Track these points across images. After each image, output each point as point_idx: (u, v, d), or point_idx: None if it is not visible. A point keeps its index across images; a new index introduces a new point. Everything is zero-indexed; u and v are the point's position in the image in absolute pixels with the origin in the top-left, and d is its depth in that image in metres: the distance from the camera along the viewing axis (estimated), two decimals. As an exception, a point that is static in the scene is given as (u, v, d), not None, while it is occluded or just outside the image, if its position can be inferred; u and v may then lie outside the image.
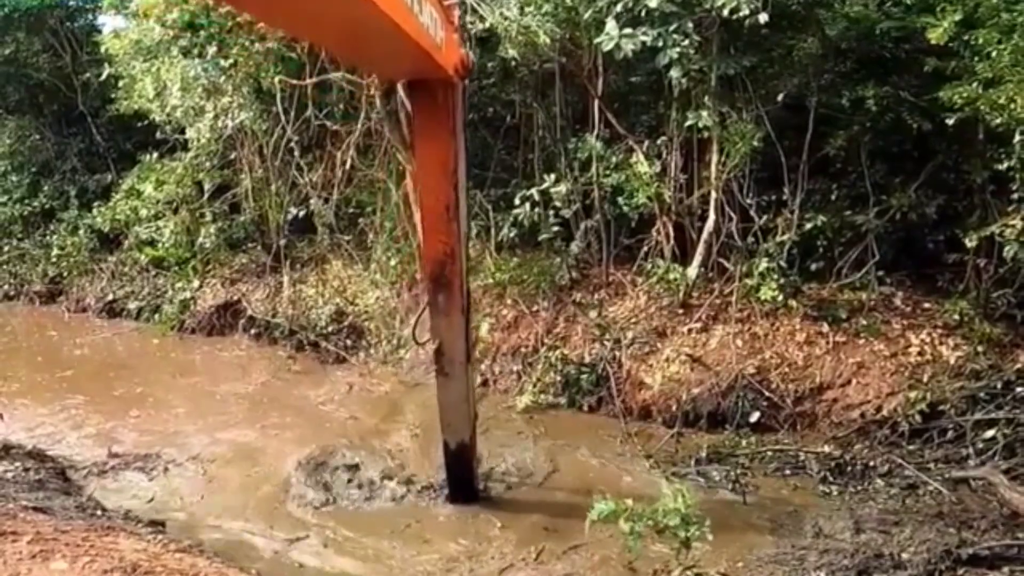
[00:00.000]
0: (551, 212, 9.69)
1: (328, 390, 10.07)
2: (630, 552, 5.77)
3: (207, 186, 11.58)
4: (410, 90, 5.76)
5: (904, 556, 6.31)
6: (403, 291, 10.56)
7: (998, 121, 6.50)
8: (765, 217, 8.94)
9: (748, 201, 8.95)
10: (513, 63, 9.66)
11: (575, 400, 9.27)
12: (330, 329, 10.62)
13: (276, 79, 9.65)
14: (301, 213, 10.94)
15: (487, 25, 9.14)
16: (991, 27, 6.55)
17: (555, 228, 9.66)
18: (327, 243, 10.93)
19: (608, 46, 8.19)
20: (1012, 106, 6.30)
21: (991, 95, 6.46)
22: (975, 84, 6.64)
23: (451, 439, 7.19)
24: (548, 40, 8.82)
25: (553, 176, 9.64)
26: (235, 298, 11.40)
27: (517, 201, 9.63)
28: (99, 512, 6.45)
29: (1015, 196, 6.87)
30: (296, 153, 10.54)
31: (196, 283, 11.67)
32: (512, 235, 9.98)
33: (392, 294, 10.59)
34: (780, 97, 8.68)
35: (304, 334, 10.65)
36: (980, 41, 6.58)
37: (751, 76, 8.76)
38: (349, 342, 10.66)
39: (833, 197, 8.74)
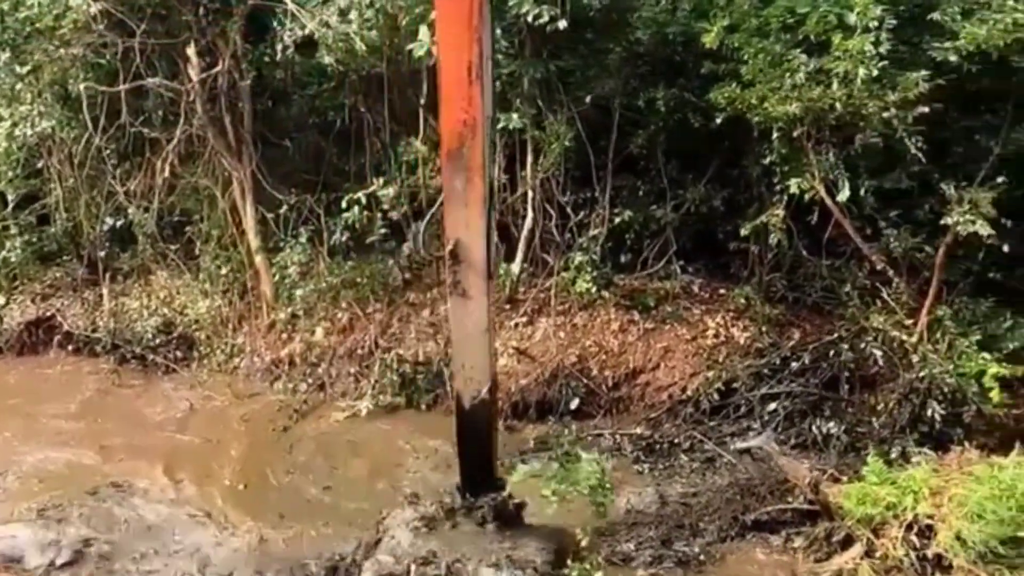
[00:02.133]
0: (380, 215, 9.81)
1: (164, 407, 9.72)
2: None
3: (11, 197, 10.84)
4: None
5: (701, 525, 6.99)
6: (235, 299, 10.40)
7: (757, 119, 7.24)
8: (582, 214, 9.46)
9: (565, 199, 9.43)
10: (341, 68, 9.72)
11: (413, 399, 9.47)
12: (158, 341, 10.27)
13: (83, 86, 9.25)
14: (119, 223, 10.51)
15: (306, 32, 9.16)
16: (743, 31, 7.26)
17: (383, 230, 9.78)
18: (149, 253, 10.57)
19: (420, 52, 8.36)
20: (765, 105, 7.02)
21: (747, 95, 7.18)
22: (735, 85, 7.35)
23: (466, 390, 5.83)
24: (365, 47, 8.94)
25: (382, 179, 9.77)
26: (48, 314, 10.74)
27: (345, 204, 9.70)
28: None
29: (778, 188, 7.66)
30: (111, 161, 10.12)
31: (2, 300, 10.94)
32: (344, 239, 10.03)
33: (224, 302, 10.39)
34: (588, 99, 9.17)
35: (128, 348, 10.26)
36: (736, 45, 7.29)
37: (565, 79, 9.22)
38: (179, 353, 10.36)
39: (639, 193, 9.38)
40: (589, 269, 9.06)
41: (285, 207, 10.09)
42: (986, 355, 6.57)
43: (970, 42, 6.50)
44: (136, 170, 10.21)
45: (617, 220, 9.21)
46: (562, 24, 8.08)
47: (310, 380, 9.89)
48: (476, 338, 5.63)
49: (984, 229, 6.37)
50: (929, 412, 6.84)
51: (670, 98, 8.45)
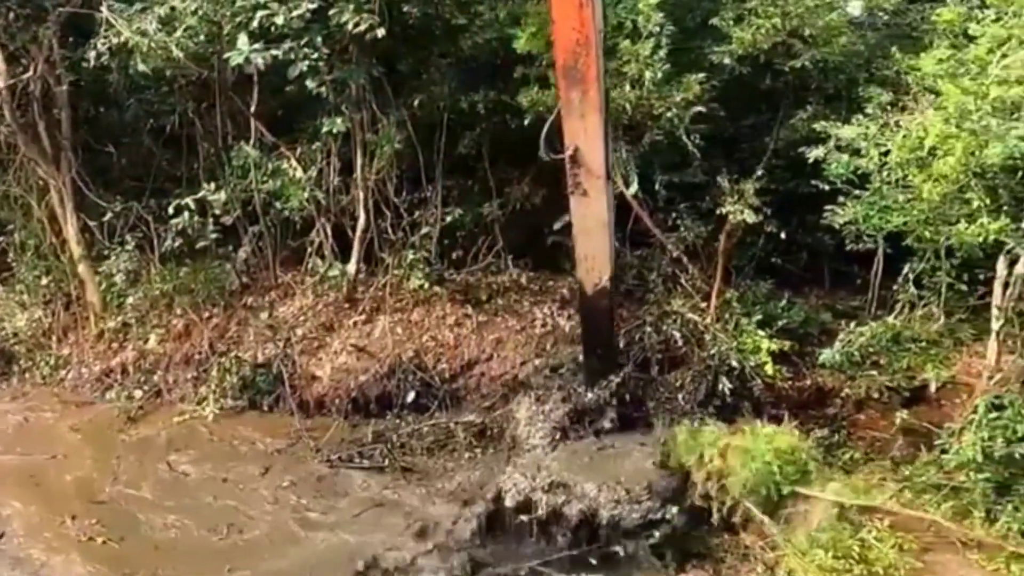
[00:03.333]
0: (211, 219, 9.67)
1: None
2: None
3: None
4: None
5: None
6: (59, 309, 9.99)
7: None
8: (416, 213, 9.68)
9: (399, 199, 9.62)
10: (167, 74, 9.49)
11: (255, 401, 9.44)
12: (-30, 356, 9.78)
13: None
14: (-80, 236, 9.89)
15: (122, 39, 8.88)
16: (541, 36, 7.65)
17: (214, 235, 9.66)
18: (-44, 266, 10.03)
19: (237, 60, 8.32)
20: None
21: (545, 97, 7.62)
22: (536, 88, 7.76)
23: (588, 279, 6.54)
24: (183, 55, 8.76)
25: (213, 184, 9.63)
26: None
27: (173, 210, 9.49)
28: None
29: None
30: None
31: None
32: (177, 245, 9.81)
33: (46, 313, 9.98)
34: (416, 103, 9.38)
35: (-64, 366, 9.70)
36: (539, 51, 7.70)
37: (398, 84, 9.38)
38: (-3, 368, 9.91)
39: (471, 192, 9.70)
40: (422, 266, 9.31)
41: (110, 214, 9.79)
42: (761, 332, 7.28)
43: (740, 46, 7.18)
44: (-64, 180, 9.64)
45: (449, 218, 9.50)
46: (380, 32, 8.20)
47: (145, 388, 9.69)
48: (596, 232, 6.36)
49: (750, 217, 7.08)
50: (720, 387, 7.46)
51: (488, 101, 8.81)
